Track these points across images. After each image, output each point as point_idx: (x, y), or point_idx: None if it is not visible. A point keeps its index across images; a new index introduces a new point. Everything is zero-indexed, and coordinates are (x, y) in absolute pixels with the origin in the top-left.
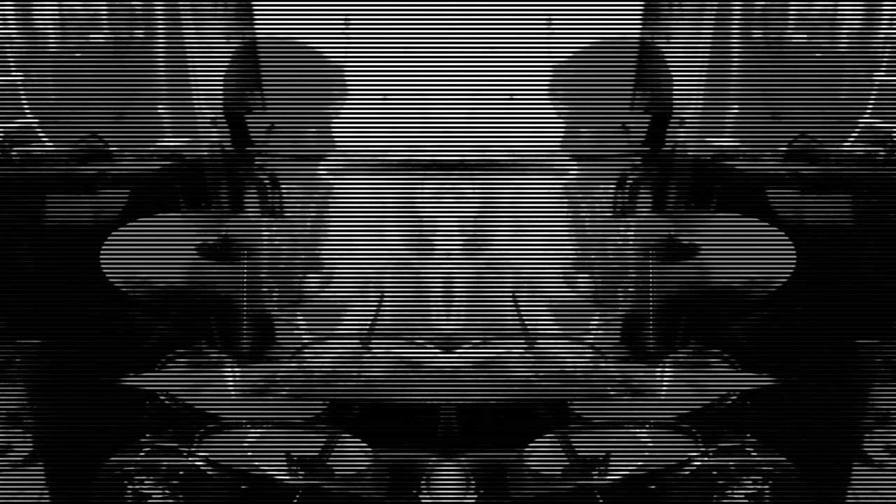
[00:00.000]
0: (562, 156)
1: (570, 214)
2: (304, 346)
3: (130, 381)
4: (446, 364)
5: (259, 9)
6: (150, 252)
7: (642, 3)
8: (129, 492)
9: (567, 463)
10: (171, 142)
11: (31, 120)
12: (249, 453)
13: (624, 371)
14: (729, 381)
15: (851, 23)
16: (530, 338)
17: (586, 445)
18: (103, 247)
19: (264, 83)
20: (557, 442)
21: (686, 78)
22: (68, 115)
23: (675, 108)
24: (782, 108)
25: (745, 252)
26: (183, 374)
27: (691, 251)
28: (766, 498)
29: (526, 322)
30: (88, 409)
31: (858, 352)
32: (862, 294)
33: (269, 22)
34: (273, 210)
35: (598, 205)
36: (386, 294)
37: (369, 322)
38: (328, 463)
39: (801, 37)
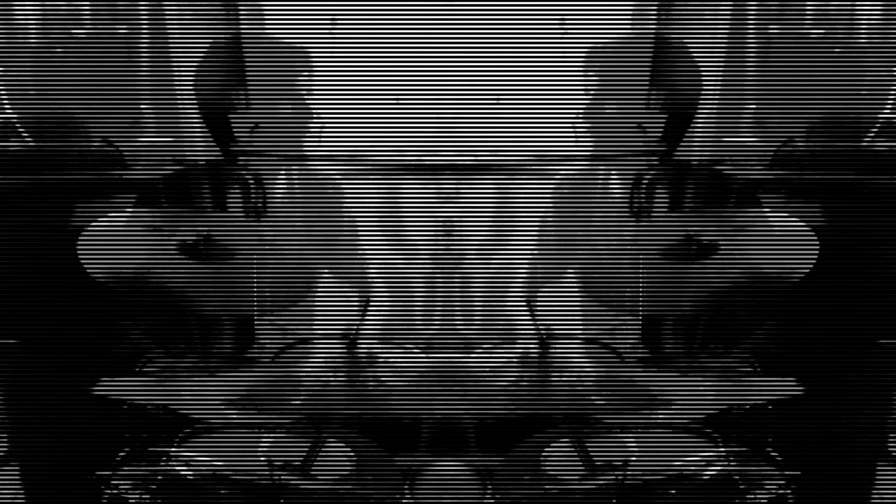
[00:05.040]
0: (575, 156)
1: (584, 215)
2: (287, 347)
3: (107, 385)
4: (457, 370)
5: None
6: (129, 248)
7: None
8: (107, 496)
9: (583, 467)
10: (152, 139)
11: (10, 115)
12: (230, 457)
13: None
14: (750, 384)
15: (870, 16)
16: (545, 341)
17: (603, 449)
18: (81, 236)
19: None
20: (574, 446)
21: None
22: (48, 110)
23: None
24: (799, 106)
25: (766, 246)
26: (161, 377)
27: (711, 249)
28: (790, 501)
29: (540, 325)
30: (65, 410)
31: (881, 352)
32: (884, 294)
33: (256, 19)
34: (256, 210)
35: (613, 205)
36: (373, 297)
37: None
38: (312, 467)
39: (818, 31)
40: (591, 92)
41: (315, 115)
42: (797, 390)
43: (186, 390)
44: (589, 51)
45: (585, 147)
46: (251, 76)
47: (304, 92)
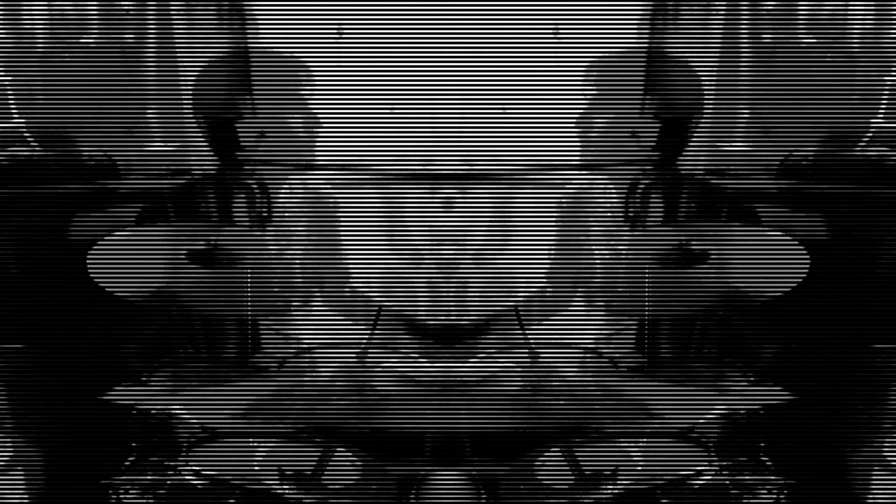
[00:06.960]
0: (568, 164)
1: (578, 222)
2: (294, 355)
3: (115, 393)
4: (444, 380)
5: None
6: (138, 257)
7: (649, 8)
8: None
9: (573, 477)
10: (159, 146)
11: (19, 122)
12: (239, 465)
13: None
14: (744, 390)
15: (863, 23)
16: (534, 350)
17: (594, 458)
18: (91, 250)
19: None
20: (563, 455)
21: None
22: (56, 117)
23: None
24: (792, 113)
25: (758, 257)
26: (169, 384)
27: (703, 258)
28: None
29: (528, 334)
30: (71, 415)
31: (875, 356)
32: (878, 298)
33: (261, 30)
34: (261, 217)
35: (608, 212)
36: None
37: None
38: (322, 477)
39: (810, 38)
40: (589, 101)
41: (319, 126)
42: (791, 396)
43: (194, 398)
44: (587, 61)
45: (583, 156)
46: (256, 85)
47: (309, 102)
